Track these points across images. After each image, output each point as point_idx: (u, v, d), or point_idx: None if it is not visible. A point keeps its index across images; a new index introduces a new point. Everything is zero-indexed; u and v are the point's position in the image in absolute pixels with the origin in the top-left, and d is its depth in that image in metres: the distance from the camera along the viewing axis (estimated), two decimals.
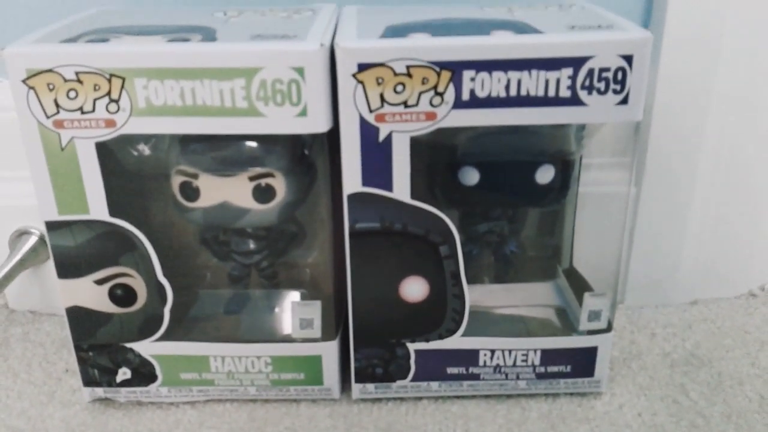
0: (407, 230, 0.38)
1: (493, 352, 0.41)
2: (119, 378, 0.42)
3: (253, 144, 0.38)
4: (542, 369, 0.42)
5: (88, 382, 0.42)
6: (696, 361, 0.46)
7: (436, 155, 0.40)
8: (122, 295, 0.40)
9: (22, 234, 0.49)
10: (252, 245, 0.43)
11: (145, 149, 0.40)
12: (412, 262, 0.39)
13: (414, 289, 0.39)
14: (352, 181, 0.36)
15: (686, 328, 0.50)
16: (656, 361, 0.46)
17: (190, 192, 0.39)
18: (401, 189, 0.36)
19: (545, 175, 0.40)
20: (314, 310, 0.40)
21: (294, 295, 0.46)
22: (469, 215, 0.43)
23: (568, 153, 0.40)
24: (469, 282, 0.39)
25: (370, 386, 0.42)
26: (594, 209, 0.44)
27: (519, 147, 0.39)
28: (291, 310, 0.41)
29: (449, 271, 0.39)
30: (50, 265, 0.49)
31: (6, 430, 0.41)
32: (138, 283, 0.40)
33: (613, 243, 0.41)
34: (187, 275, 0.46)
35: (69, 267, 0.39)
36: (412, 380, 0.42)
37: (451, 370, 0.42)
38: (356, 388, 0.42)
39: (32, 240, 0.49)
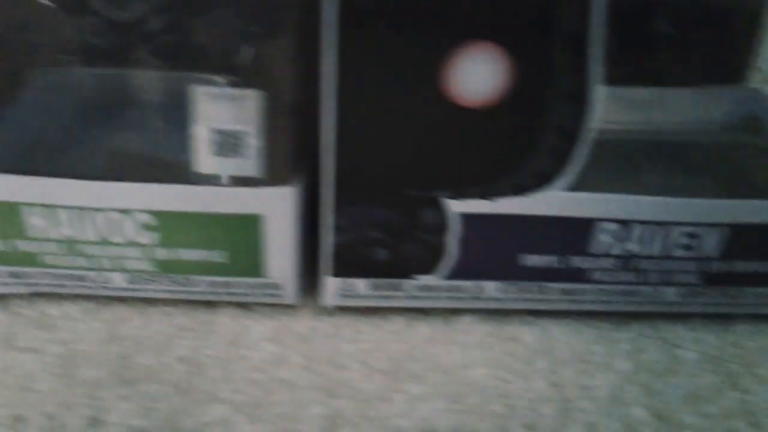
0: None
1: (625, 225, 0.20)
2: None
3: None
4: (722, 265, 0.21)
5: None
6: None
7: None
8: None
9: None
10: None
11: None
12: (480, 15, 0.17)
13: (477, 73, 0.17)
14: None
15: None
16: None
17: None
18: None
19: None
20: (247, 109, 0.18)
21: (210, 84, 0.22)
22: None
23: None
24: (612, 80, 0.17)
25: (361, 284, 0.21)
26: None
27: None
28: (198, 110, 0.18)
29: (565, 34, 0.17)
30: None
31: None
32: None
33: None
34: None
35: None
36: (450, 277, 0.21)
37: (531, 260, 0.20)
38: (332, 285, 0.21)
39: None
